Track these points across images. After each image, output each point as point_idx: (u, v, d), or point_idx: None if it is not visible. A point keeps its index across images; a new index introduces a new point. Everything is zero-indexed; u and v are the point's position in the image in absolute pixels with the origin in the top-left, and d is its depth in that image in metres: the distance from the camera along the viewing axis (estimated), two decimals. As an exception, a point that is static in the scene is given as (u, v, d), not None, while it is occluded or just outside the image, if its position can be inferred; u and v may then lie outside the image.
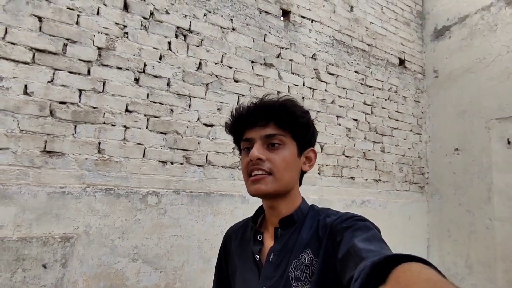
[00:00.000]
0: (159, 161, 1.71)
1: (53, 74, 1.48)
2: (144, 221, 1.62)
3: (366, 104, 2.66)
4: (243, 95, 2.03)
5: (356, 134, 2.56)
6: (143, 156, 1.67)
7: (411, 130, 2.95)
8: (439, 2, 3.11)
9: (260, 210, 0.74)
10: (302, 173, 0.71)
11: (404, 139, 2.88)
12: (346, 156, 2.47)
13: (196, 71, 1.88)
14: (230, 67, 2.01)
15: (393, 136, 2.80)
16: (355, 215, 0.61)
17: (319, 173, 2.29)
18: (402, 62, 3.00)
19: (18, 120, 1.39)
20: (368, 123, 2.65)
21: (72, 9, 1.56)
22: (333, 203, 2.29)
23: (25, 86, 1.42)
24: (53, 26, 1.50)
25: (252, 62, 2.10)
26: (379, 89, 2.77)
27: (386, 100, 2.80)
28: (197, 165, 1.82)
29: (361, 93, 2.64)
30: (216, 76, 1.95)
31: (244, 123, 0.68)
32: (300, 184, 0.73)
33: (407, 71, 3.02)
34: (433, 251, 2.81)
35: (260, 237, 0.69)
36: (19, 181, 1.36)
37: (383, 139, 2.72)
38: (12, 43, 1.40)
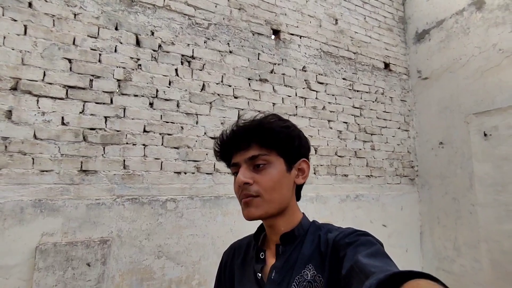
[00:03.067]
0: (174, 172, 2.00)
1: (83, 105, 1.78)
2: (165, 224, 1.91)
3: (355, 108, 2.92)
4: (242, 109, 2.31)
5: (347, 135, 2.82)
6: (161, 169, 1.96)
7: (399, 128, 3.21)
8: (418, 8, 3.36)
9: (261, 228, 0.73)
10: (298, 186, 0.70)
11: (393, 136, 3.14)
12: (339, 156, 2.74)
13: (200, 92, 2.17)
14: (229, 86, 2.29)
15: (382, 135, 3.06)
16: (357, 230, 0.60)
17: (314, 173, 2.57)
18: (387, 65, 3.26)
19: (59, 147, 1.69)
20: (358, 124, 2.91)
21: (95, 50, 1.85)
22: (329, 198, 2.56)
23: (62, 118, 1.72)
24: (81, 65, 1.80)
25: (249, 79, 2.38)
26: (367, 92, 3.04)
27: (373, 102, 3.07)
28: (207, 173, 2.11)
29: (350, 98, 2.91)
30: (218, 94, 2.23)
31: (229, 149, 0.68)
32: (298, 198, 0.72)
33: (392, 74, 3.28)
34: (425, 237, 3.06)
35: (262, 255, 0.68)
36: (63, 196, 1.66)
37: (373, 138, 2.99)
38: (49, 83, 1.71)
